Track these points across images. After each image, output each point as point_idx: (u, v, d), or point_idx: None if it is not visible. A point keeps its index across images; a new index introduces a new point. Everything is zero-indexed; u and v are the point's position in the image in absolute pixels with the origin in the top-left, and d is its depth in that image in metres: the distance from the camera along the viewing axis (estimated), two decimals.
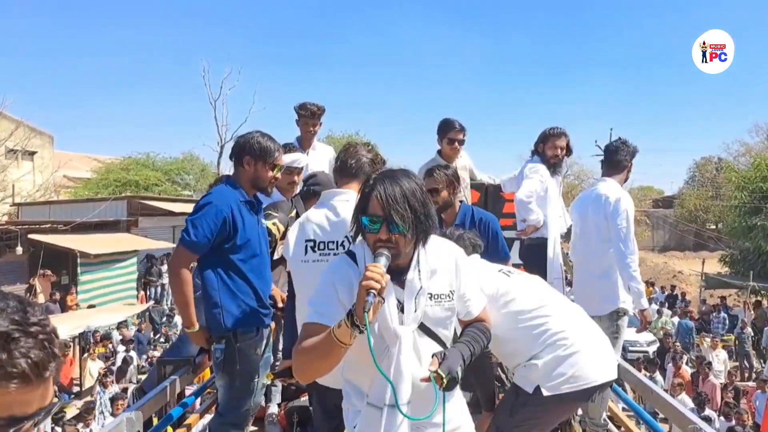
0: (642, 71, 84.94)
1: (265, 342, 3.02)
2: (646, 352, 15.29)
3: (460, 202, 3.44)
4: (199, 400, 4.43)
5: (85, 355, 10.93)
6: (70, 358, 10.55)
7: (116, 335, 13.02)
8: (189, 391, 4.42)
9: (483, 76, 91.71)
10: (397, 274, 1.75)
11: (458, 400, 1.94)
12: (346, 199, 2.51)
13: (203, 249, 2.76)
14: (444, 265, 1.86)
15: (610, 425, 3.69)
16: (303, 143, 4.50)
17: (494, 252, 3.14)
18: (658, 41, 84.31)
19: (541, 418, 2.50)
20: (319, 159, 4.51)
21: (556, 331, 2.45)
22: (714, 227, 45.82)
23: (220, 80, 36.14)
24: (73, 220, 17.12)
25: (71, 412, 8.81)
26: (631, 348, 14.49)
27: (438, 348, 1.80)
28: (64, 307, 14.48)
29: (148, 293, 18.22)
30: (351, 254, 1.86)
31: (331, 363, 1.69)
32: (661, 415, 4.48)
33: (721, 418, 8.29)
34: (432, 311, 1.81)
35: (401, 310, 1.75)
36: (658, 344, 16.01)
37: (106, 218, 18.62)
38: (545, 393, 2.40)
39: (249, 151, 2.89)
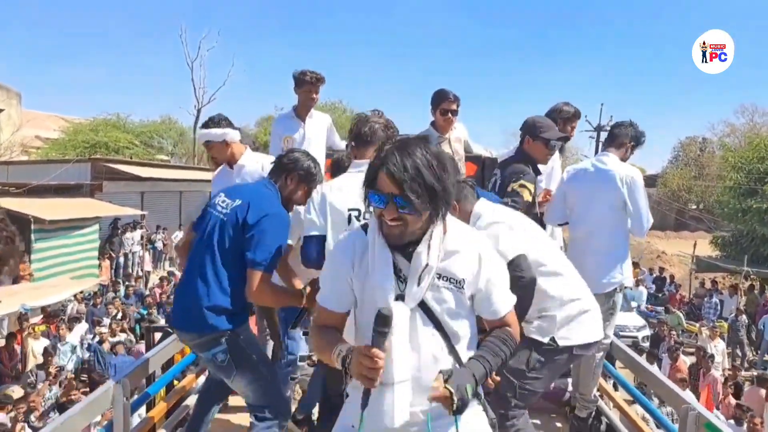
0: (630, 50, 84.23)
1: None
2: (635, 337, 14.65)
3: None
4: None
5: (26, 333, 9.85)
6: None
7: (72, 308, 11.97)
8: None
9: (471, 50, 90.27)
10: (406, 246, 1.67)
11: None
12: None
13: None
14: (464, 251, 1.74)
15: (600, 402, 3.86)
16: (300, 111, 4.51)
17: None
18: (645, 21, 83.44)
19: (550, 368, 2.72)
20: (317, 127, 4.51)
21: (571, 289, 2.70)
22: (696, 207, 45.97)
23: (198, 40, 35.15)
24: (29, 183, 15.83)
25: (18, 393, 7.81)
26: (620, 333, 13.82)
27: (441, 339, 1.71)
28: (16, 277, 13.34)
29: (113, 264, 17.11)
30: (364, 225, 1.80)
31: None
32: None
33: (731, 421, 7.50)
34: (437, 293, 1.71)
35: (403, 284, 1.68)
36: (647, 330, 15.42)
37: (67, 181, 17.31)
38: (560, 343, 2.66)
39: (299, 170, 2.90)
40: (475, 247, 1.76)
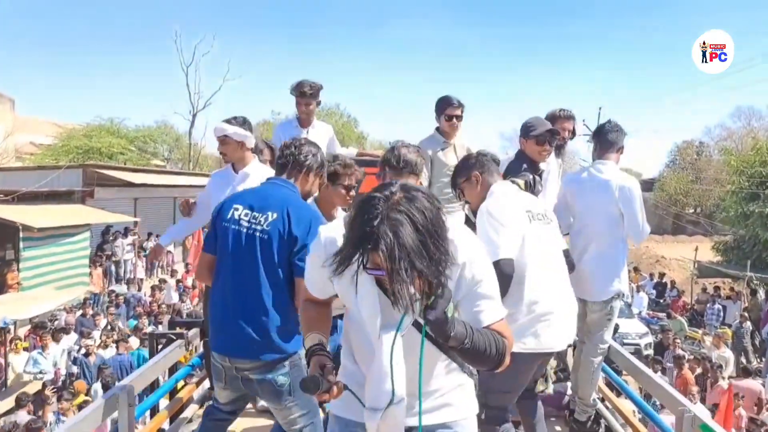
0: (627, 54, 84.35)
1: None
2: (638, 344, 14.37)
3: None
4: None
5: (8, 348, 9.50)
6: None
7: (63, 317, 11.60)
8: None
9: (468, 55, 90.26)
10: None
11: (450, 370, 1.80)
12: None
13: None
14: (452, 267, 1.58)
15: (600, 405, 3.85)
16: (301, 122, 4.61)
17: None
18: (642, 25, 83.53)
19: (510, 376, 2.56)
20: (318, 137, 4.38)
21: (535, 294, 2.69)
22: (693, 211, 45.91)
23: (192, 45, 34.93)
24: (19, 190, 15.47)
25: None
26: (623, 341, 13.52)
27: (436, 350, 1.71)
28: (4, 286, 13.04)
29: (108, 272, 16.73)
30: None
31: None
32: None
33: None
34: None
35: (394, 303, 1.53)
36: (650, 337, 15.12)
37: (57, 188, 16.96)
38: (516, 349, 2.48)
39: (317, 165, 2.87)
40: (462, 255, 1.64)
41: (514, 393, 2.94)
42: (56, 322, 11.38)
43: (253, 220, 2.64)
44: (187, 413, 4.07)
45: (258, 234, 2.62)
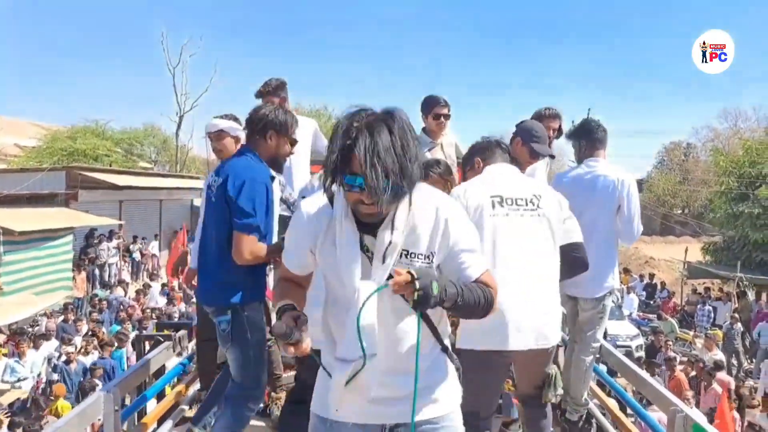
0: (616, 53, 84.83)
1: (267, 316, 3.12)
2: (629, 347, 14.28)
3: None
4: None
5: None
6: None
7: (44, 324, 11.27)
8: None
9: (455, 55, 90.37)
10: (372, 226, 1.68)
11: (437, 364, 1.84)
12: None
13: (263, 235, 2.83)
14: (429, 224, 1.72)
15: (591, 404, 3.85)
16: None
17: None
18: (630, 25, 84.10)
19: (470, 376, 2.31)
20: (300, 133, 4.24)
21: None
22: (681, 211, 46.18)
23: (179, 46, 34.46)
24: (0, 193, 15.13)
25: None
26: (615, 343, 13.41)
27: (406, 319, 1.73)
28: None
29: (90, 275, 16.41)
30: (331, 197, 1.74)
31: None
32: None
33: None
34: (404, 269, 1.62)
35: (370, 262, 1.68)
36: (641, 339, 15.04)
37: (39, 191, 16.62)
38: (459, 346, 2.58)
39: (273, 125, 2.96)
40: (441, 215, 1.74)
41: (484, 396, 2.76)
42: (36, 328, 11.06)
43: (214, 185, 2.94)
44: (176, 416, 3.95)
45: (213, 198, 2.94)
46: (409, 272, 1.56)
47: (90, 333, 10.72)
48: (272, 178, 2.95)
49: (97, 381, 8.03)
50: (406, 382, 1.71)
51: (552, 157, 3.86)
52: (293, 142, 3.05)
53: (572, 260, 2.89)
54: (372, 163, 1.54)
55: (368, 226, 1.68)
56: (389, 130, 1.59)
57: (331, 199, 1.75)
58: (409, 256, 1.70)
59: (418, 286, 1.55)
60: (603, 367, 4.82)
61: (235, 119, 3.69)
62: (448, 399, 1.85)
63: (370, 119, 1.61)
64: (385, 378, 1.71)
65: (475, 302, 1.71)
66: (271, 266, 3.22)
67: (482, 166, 2.84)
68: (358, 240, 1.69)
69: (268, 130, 2.94)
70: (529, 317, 2.64)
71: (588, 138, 3.74)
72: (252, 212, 2.75)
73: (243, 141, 3.65)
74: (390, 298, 1.67)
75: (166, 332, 4.60)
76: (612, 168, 3.64)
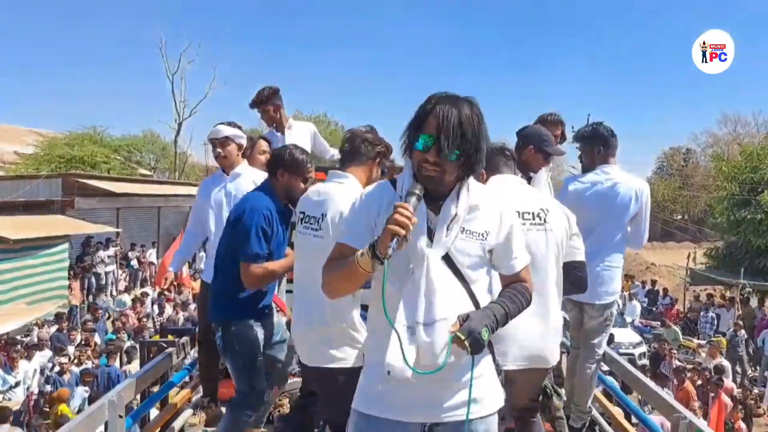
0: (615, 59, 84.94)
1: (269, 330, 3.33)
2: (632, 354, 14.09)
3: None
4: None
5: None
6: None
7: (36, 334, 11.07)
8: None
9: (454, 59, 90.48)
10: (434, 199, 1.76)
11: (482, 361, 1.84)
12: (339, 182, 2.73)
13: (265, 258, 3.00)
14: (487, 207, 1.83)
15: (594, 412, 3.90)
16: (276, 128, 4.57)
17: None
18: (628, 31, 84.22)
19: None
20: (298, 137, 4.45)
21: None
22: (681, 217, 46.05)
23: (178, 53, 34.37)
24: None
25: None
26: (618, 351, 13.23)
27: (460, 287, 1.78)
28: None
29: (86, 283, 16.21)
30: (393, 181, 1.87)
31: (355, 284, 1.82)
32: None
33: None
34: (461, 244, 1.78)
35: (430, 237, 1.75)
36: (644, 346, 14.85)
37: (36, 198, 16.46)
38: None
39: (282, 163, 3.10)
40: (496, 203, 1.86)
41: None
42: (28, 338, 10.88)
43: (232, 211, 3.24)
44: (179, 422, 3.99)
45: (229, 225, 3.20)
46: (457, 334, 1.65)
47: (83, 342, 10.52)
48: (284, 211, 3.11)
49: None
50: (453, 378, 1.76)
51: (561, 154, 3.88)
52: (306, 180, 3.15)
53: (574, 279, 2.81)
54: (450, 125, 1.65)
55: (429, 202, 1.75)
56: (470, 106, 1.72)
57: (393, 183, 1.85)
58: (465, 233, 1.78)
59: (468, 343, 1.64)
60: (615, 383, 4.79)
61: (239, 127, 3.79)
62: (491, 399, 1.86)
63: (452, 95, 1.73)
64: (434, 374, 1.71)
65: (519, 310, 1.85)
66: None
67: (486, 177, 2.75)
68: (425, 210, 1.75)
69: (278, 168, 3.11)
70: (529, 337, 2.57)
71: (605, 144, 3.71)
72: (251, 240, 2.95)
73: (242, 149, 3.85)
74: (446, 272, 1.76)
75: (170, 338, 4.66)
76: (628, 176, 3.65)
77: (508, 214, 1.86)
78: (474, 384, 1.76)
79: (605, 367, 4.42)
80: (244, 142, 3.80)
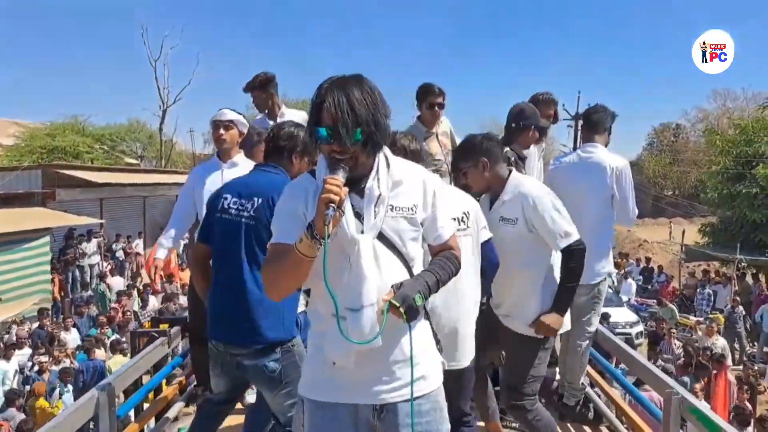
0: (606, 38, 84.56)
1: None
2: (629, 334, 13.92)
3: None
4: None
5: None
6: None
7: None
8: None
9: (445, 42, 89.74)
10: (356, 183, 1.77)
11: (422, 335, 1.88)
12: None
13: None
14: (410, 181, 1.86)
15: (588, 389, 3.95)
16: (269, 114, 4.53)
17: None
18: (619, 9, 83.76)
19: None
20: None
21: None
22: (672, 193, 46.08)
23: (160, 39, 33.65)
24: None
25: None
26: (614, 330, 13.01)
27: (399, 264, 1.81)
28: None
29: (69, 278, 15.78)
30: (311, 171, 1.90)
31: (299, 278, 1.77)
32: None
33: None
34: (392, 223, 1.80)
35: (360, 219, 1.77)
36: (641, 326, 14.69)
37: (14, 190, 15.97)
38: None
39: (298, 146, 2.88)
40: (418, 175, 1.89)
41: None
42: (6, 337, 10.49)
43: (240, 208, 2.72)
44: (172, 412, 3.96)
45: (244, 221, 2.69)
46: (390, 301, 1.68)
47: (56, 341, 10.12)
48: None
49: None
50: (395, 356, 1.80)
51: (546, 125, 4.04)
52: (314, 163, 2.87)
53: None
54: (341, 111, 1.67)
55: (351, 186, 1.72)
56: (359, 87, 1.73)
57: (312, 174, 1.86)
58: (394, 210, 1.79)
59: (403, 310, 1.68)
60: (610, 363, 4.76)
61: (242, 116, 3.84)
62: (434, 375, 1.90)
63: (339, 80, 1.75)
64: (377, 352, 1.74)
65: (450, 276, 1.89)
66: None
67: (489, 167, 2.88)
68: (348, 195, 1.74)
69: (295, 151, 2.87)
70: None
71: (584, 121, 3.82)
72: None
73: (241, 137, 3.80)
74: (382, 252, 1.78)
75: (162, 327, 4.64)
76: (607, 154, 3.70)
77: (430, 183, 1.88)
78: (416, 360, 1.79)
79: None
80: (245, 131, 3.79)
